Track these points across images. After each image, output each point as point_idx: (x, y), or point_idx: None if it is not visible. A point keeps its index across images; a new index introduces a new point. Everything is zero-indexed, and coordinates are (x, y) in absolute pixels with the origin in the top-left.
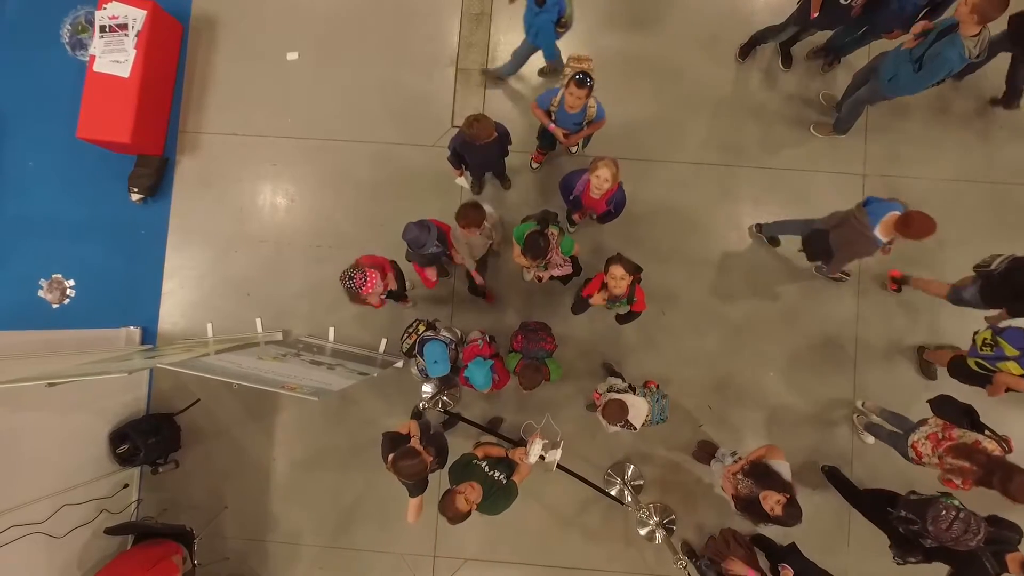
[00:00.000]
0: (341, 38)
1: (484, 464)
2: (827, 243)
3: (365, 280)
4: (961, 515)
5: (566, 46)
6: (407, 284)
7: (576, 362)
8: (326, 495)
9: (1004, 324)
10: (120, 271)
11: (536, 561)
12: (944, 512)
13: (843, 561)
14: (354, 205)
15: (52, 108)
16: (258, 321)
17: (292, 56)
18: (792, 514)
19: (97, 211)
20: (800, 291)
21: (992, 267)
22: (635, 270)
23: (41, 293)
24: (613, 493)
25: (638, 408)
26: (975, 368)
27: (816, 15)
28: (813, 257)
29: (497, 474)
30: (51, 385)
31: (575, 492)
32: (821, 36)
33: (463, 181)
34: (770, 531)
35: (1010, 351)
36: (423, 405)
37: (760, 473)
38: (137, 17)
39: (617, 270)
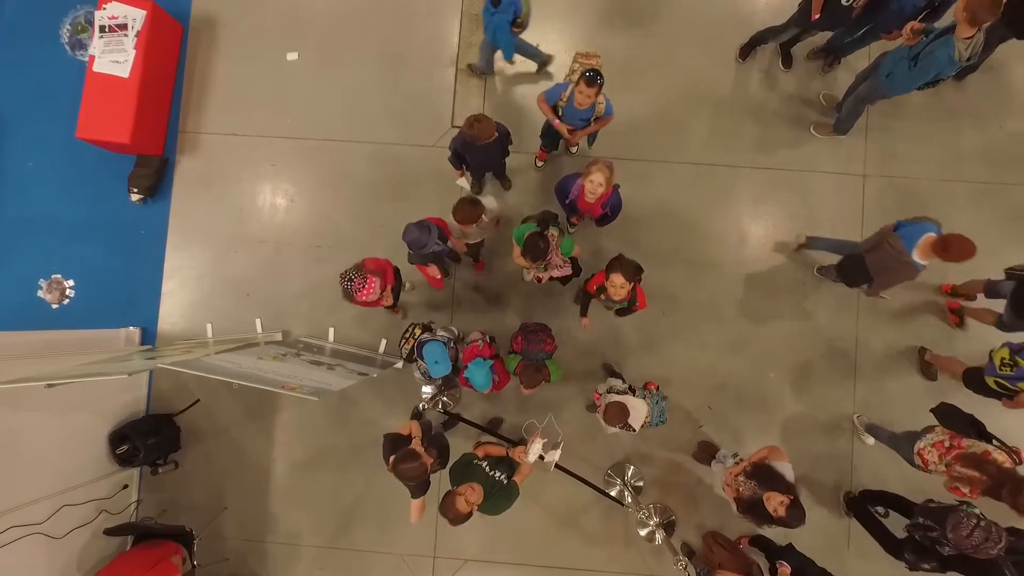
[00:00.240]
0: (341, 38)
1: (485, 464)
2: (864, 267)
3: (363, 285)
4: (982, 523)
5: (567, 45)
6: (406, 285)
7: (576, 363)
8: (326, 496)
9: (1021, 342)
10: (120, 271)
11: (536, 562)
12: (965, 520)
13: (843, 561)
14: (354, 205)
15: (52, 108)
16: (258, 321)
17: (292, 56)
18: (795, 515)
19: (97, 211)
20: (801, 292)
21: None
22: (636, 271)
23: (40, 293)
24: (613, 494)
25: (637, 410)
26: (994, 387)
27: (817, 17)
28: (851, 283)
29: (498, 474)
30: (50, 386)
31: (575, 493)
32: (821, 37)
33: (464, 182)
34: (771, 532)
35: None
36: (423, 406)
37: (763, 474)
38: (137, 17)
39: (617, 278)
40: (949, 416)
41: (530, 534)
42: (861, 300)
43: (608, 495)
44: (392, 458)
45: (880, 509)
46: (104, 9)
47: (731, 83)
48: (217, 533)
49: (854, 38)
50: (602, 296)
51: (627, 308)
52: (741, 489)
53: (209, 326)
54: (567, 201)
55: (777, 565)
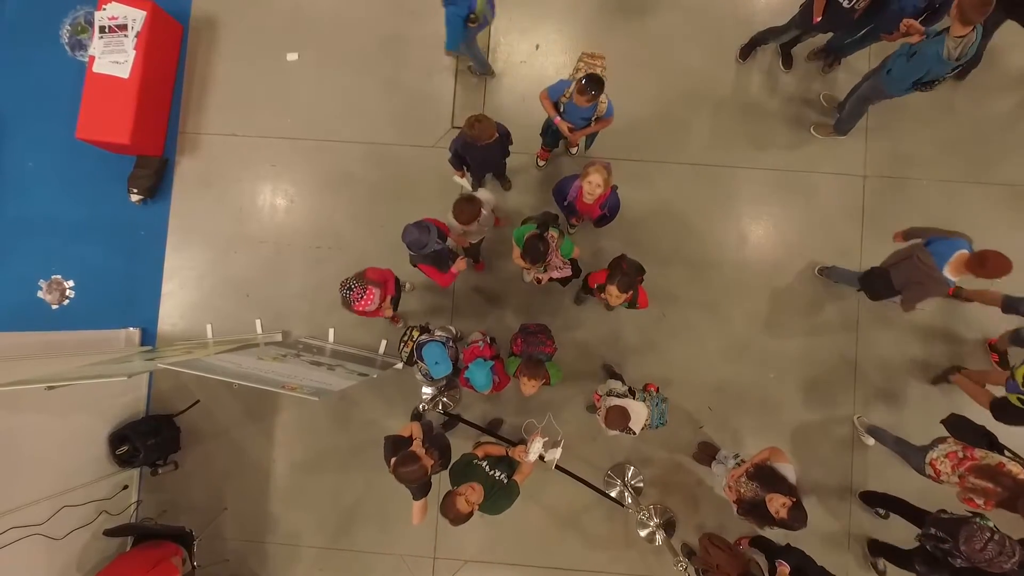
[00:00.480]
0: (341, 38)
1: (485, 464)
2: (888, 281)
3: (362, 295)
4: (996, 536)
5: (567, 45)
6: (406, 286)
7: (576, 364)
8: (326, 496)
9: None
10: (120, 272)
11: (536, 563)
12: (978, 532)
13: (843, 561)
14: (354, 206)
15: (51, 109)
16: (258, 322)
17: (292, 57)
18: (798, 517)
19: (97, 212)
20: (802, 293)
21: None
22: (638, 272)
23: (40, 294)
24: (613, 495)
25: (638, 414)
26: (1017, 404)
27: (819, 19)
28: (875, 297)
29: (498, 474)
30: (50, 388)
31: (575, 494)
32: (822, 37)
33: (464, 181)
34: (772, 533)
35: None
36: (423, 407)
37: (766, 476)
38: (137, 18)
39: (613, 290)
40: (960, 427)
41: (530, 535)
42: (862, 302)
43: (608, 496)
44: (393, 461)
45: (880, 511)
46: (104, 9)
47: (731, 83)
48: (217, 534)
49: (854, 39)
50: (601, 294)
51: (631, 304)
52: (743, 491)
53: (209, 327)
54: (565, 203)
55: (776, 564)
